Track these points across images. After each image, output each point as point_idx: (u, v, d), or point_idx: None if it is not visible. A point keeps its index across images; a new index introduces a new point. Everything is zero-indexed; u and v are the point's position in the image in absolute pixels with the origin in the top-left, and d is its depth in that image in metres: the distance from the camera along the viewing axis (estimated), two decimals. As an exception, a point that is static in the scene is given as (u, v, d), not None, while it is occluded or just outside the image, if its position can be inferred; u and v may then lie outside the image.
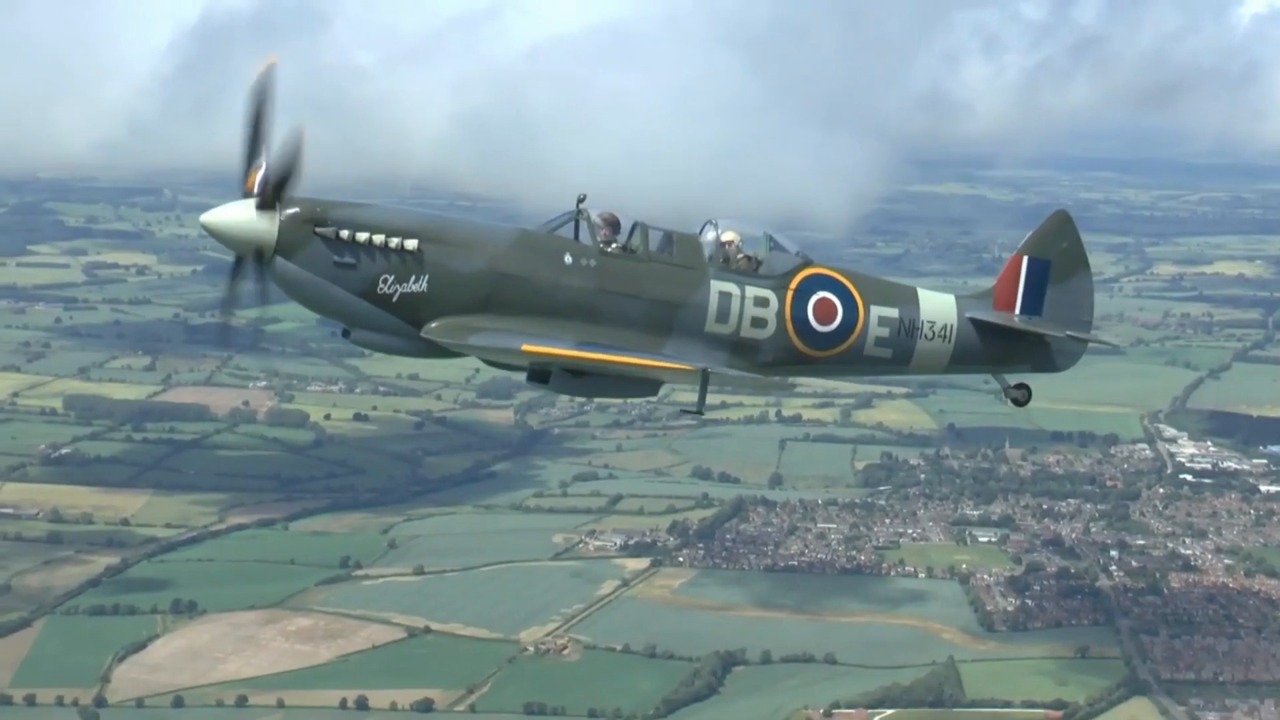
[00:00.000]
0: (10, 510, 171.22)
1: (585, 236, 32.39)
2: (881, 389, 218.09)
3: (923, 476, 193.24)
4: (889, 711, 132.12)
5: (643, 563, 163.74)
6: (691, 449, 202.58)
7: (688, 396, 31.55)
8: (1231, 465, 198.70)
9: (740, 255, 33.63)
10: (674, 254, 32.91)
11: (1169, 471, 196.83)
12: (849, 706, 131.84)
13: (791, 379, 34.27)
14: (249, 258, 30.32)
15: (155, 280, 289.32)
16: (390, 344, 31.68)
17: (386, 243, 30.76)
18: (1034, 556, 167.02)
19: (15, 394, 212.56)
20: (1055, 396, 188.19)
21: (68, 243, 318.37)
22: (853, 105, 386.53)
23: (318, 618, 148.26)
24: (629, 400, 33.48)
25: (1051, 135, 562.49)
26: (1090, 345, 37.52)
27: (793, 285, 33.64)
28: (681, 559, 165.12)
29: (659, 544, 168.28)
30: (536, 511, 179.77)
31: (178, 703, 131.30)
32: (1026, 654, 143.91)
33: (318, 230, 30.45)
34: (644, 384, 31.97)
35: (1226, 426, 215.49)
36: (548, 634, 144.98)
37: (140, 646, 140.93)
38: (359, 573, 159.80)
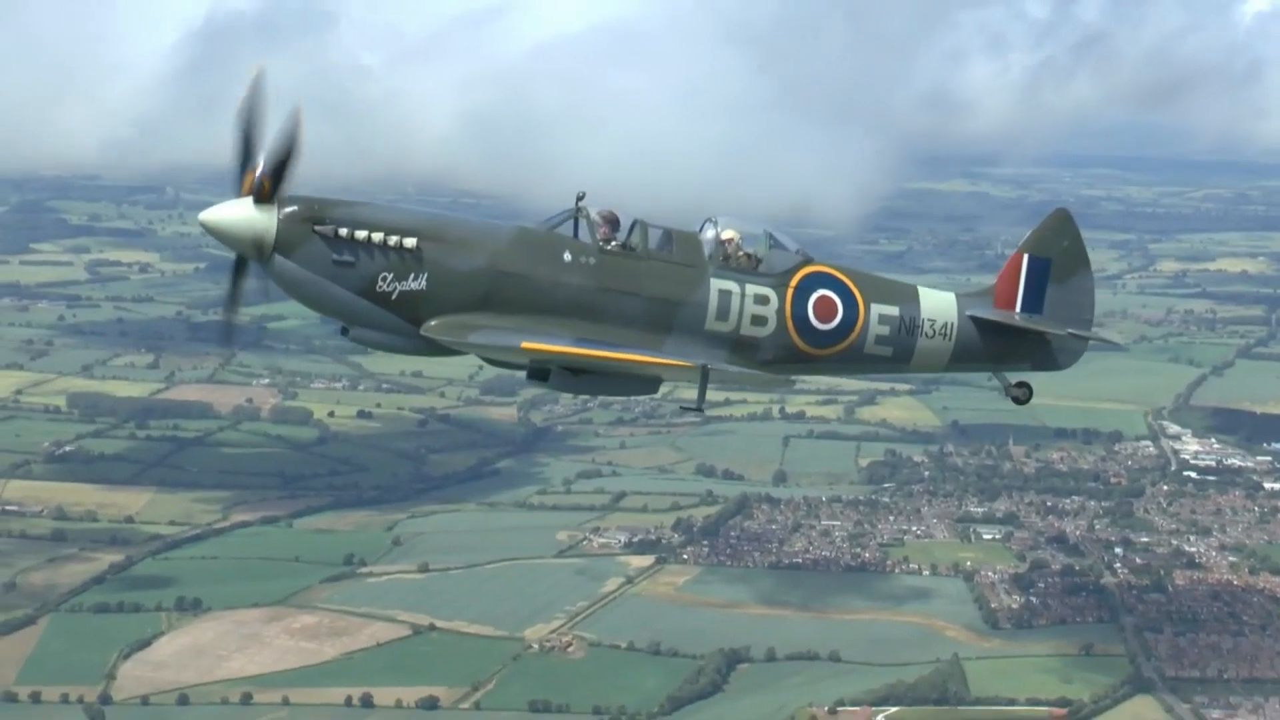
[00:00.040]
0: (14, 508, 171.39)
1: (584, 234, 32.23)
2: (885, 386, 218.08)
3: (927, 474, 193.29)
4: (893, 709, 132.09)
5: (647, 560, 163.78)
6: (695, 446, 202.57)
7: (689, 394, 31.53)
8: (1235, 462, 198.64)
9: (740, 253, 33.54)
10: (674, 252, 32.78)
11: (1173, 468, 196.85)
12: (854, 704, 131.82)
13: (792, 376, 34.18)
14: (250, 255, 30.29)
15: (158, 278, 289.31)
16: (389, 342, 31.58)
17: (385, 241, 30.67)
18: (1038, 554, 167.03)
19: (19, 392, 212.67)
20: (1059, 393, 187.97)
21: (70, 240, 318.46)
22: (857, 103, 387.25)
23: (322, 615, 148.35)
24: (630, 398, 33.35)
25: (1055, 133, 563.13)
26: (1093, 342, 37.45)
27: (793, 283, 33.52)
28: (686, 556, 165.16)
29: (663, 541, 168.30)
30: (540, 509, 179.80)
31: (183, 700, 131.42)
32: (1031, 651, 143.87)
33: (316, 228, 30.34)
34: (644, 382, 31.92)
35: (1230, 423, 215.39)
36: (552, 631, 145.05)
37: (145, 644, 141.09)
38: (363, 570, 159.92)
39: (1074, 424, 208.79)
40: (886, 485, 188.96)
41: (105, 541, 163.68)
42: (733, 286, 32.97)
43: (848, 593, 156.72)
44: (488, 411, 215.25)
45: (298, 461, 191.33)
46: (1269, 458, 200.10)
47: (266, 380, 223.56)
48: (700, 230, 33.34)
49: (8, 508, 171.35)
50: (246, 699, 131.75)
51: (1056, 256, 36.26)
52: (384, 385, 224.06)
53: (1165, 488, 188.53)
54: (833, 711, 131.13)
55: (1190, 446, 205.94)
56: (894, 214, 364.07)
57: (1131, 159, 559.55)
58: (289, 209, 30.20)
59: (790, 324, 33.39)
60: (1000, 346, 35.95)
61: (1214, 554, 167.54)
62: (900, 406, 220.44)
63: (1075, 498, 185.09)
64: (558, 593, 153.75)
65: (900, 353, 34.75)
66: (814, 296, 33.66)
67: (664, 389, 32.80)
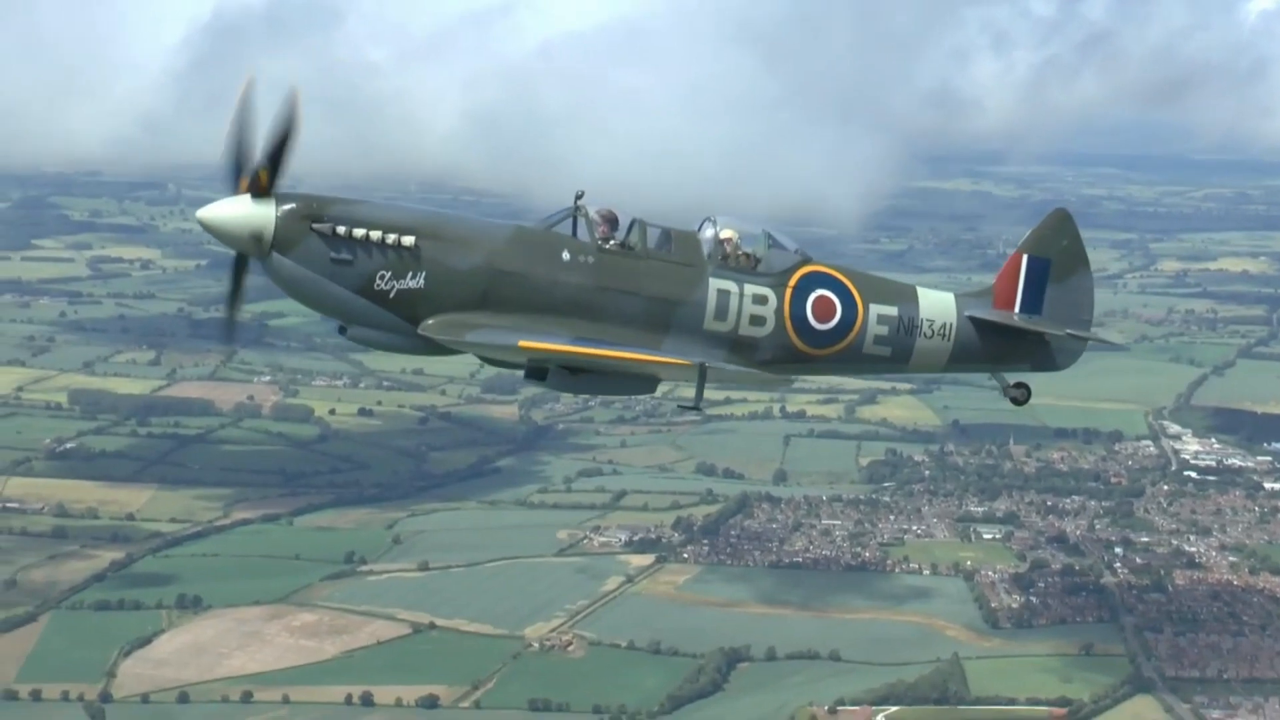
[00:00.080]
0: (15, 505, 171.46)
1: (583, 233, 32.17)
2: (885, 385, 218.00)
3: (927, 473, 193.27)
4: (894, 708, 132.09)
5: (647, 559, 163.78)
6: (695, 445, 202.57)
7: (688, 393, 31.43)
8: (1236, 462, 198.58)
9: (739, 253, 33.49)
10: (672, 251, 32.71)
11: (1173, 468, 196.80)
12: (854, 703, 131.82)
13: (791, 376, 34.13)
14: (249, 251, 30.22)
15: (159, 275, 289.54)
16: (387, 341, 31.51)
17: (383, 239, 30.61)
18: (1038, 553, 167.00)
19: (20, 388, 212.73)
20: (1059, 393, 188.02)
21: (72, 237, 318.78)
22: (863, 102, 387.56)
23: (323, 613, 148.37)
24: (631, 397, 33.14)
25: (1059, 131, 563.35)
26: (1093, 342, 37.39)
27: (791, 283, 33.45)
28: (686, 555, 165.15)
29: (663, 540, 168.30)
30: (541, 507, 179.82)
31: (183, 698, 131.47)
32: (1031, 651, 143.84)
33: (314, 226, 30.27)
34: (642, 381, 31.86)
35: (1231, 423, 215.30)
36: (552, 630, 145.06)
37: (145, 642, 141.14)
38: (364, 568, 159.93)
39: (1074, 424, 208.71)
40: (887, 484, 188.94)
41: (106, 539, 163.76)
42: (731, 286, 32.90)
43: (848, 592, 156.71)
44: (488, 410, 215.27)
45: (298, 459, 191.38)
46: (1269, 458, 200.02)
47: (268, 378, 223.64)
48: (699, 230, 33.28)
49: (9, 505, 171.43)
50: (247, 697, 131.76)
51: (1056, 256, 36.18)
52: (385, 383, 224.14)
53: (1165, 487, 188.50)
54: (833, 711, 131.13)
55: (1191, 446, 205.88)
56: (896, 213, 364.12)
57: (1134, 158, 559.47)
58: (287, 207, 30.15)
59: (789, 324, 33.33)
60: (999, 347, 35.87)
61: (1214, 554, 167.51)
62: (901, 406, 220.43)
63: (1075, 497, 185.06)
64: (558, 591, 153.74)
65: (899, 353, 34.69)
66: (812, 296, 33.61)
67: (663, 388, 32.76)
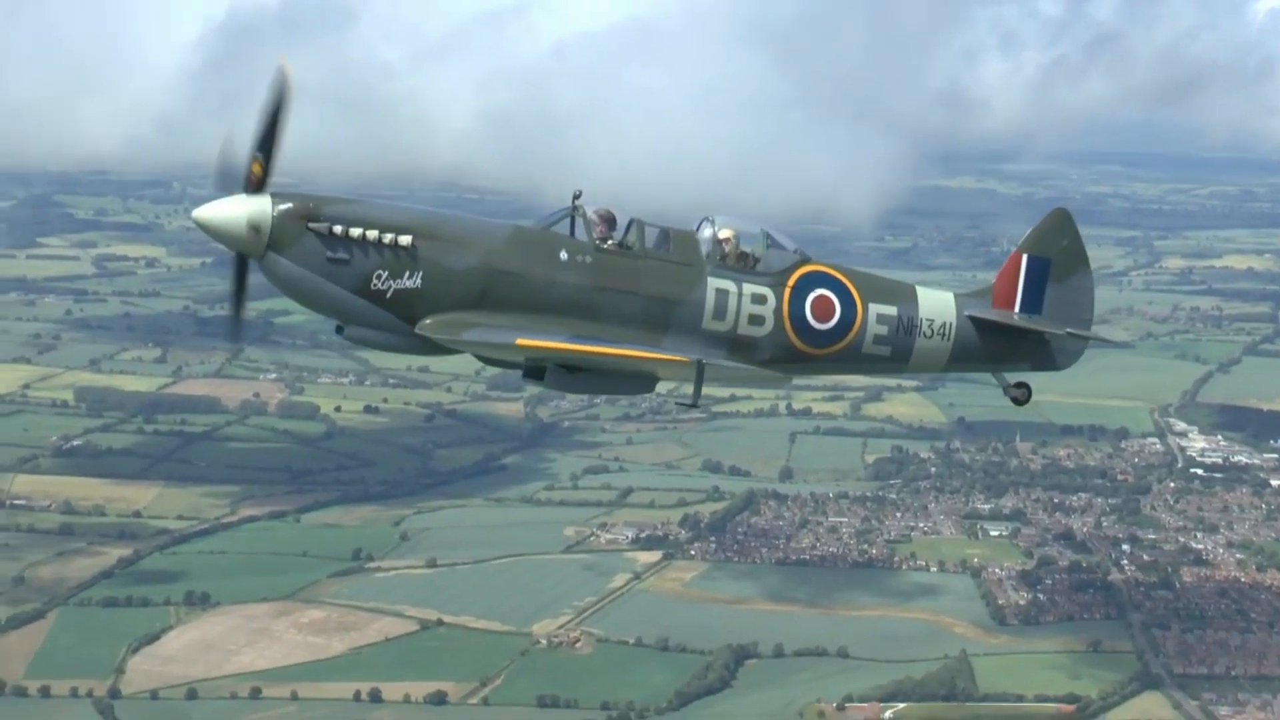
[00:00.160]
0: (23, 502, 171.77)
1: (581, 233, 32.07)
2: (891, 382, 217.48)
3: (933, 470, 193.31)
4: (901, 705, 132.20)
5: (654, 556, 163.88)
6: (702, 442, 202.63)
7: (687, 391, 31.43)
8: (1242, 459, 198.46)
9: (738, 252, 33.50)
10: (671, 251, 32.59)
11: (1179, 465, 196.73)
12: (861, 700, 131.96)
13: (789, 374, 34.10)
14: (248, 248, 30.11)
15: (165, 273, 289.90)
16: (384, 340, 31.41)
17: (380, 238, 30.51)
18: (1045, 550, 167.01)
19: (26, 386, 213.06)
20: (1065, 390, 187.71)
21: (77, 235, 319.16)
22: (874, 102, 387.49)
23: (330, 610, 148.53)
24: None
25: (1068, 131, 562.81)
26: (1095, 340, 37.35)
27: (790, 282, 33.33)
28: (693, 552, 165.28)
29: (670, 537, 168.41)
30: (547, 504, 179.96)
31: (191, 695, 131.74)
32: (1039, 648, 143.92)
33: (311, 226, 30.19)
34: (640, 380, 31.78)
35: (1236, 420, 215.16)
36: (560, 627, 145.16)
37: (154, 638, 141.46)
38: (371, 565, 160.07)
39: (1080, 421, 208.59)
40: (893, 482, 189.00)
41: (113, 536, 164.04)
42: (730, 286, 32.80)
43: (855, 589, 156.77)
44: (494, 407, 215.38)
45: (305, 456, 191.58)
46: (1275, 454, 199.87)
47: (274, 375, 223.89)
48: (697, 229, 33.19)
49: (16, 502, 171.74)
50: (255, 693, 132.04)
51: (1056, 256, 36.03)
52: (391, 380, 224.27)
53: (1172, 485, 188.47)
54: (841, 707, 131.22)
55: (1197, 443, 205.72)
56: (900, 210, 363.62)
57: (1139, 156, 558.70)
58: (283, 206, 30.10)
59: (788, 323, 33.21)
60: (999, 346, 35.74)
61: (1221, 551, 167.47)
62: (907, 403, 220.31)
63: (1082, 494, 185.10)
64: (565, 588, 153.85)
65: (898, 353, 34.55)
66: (811, 296, 33.52)
67: (663, 387, 32.77)
